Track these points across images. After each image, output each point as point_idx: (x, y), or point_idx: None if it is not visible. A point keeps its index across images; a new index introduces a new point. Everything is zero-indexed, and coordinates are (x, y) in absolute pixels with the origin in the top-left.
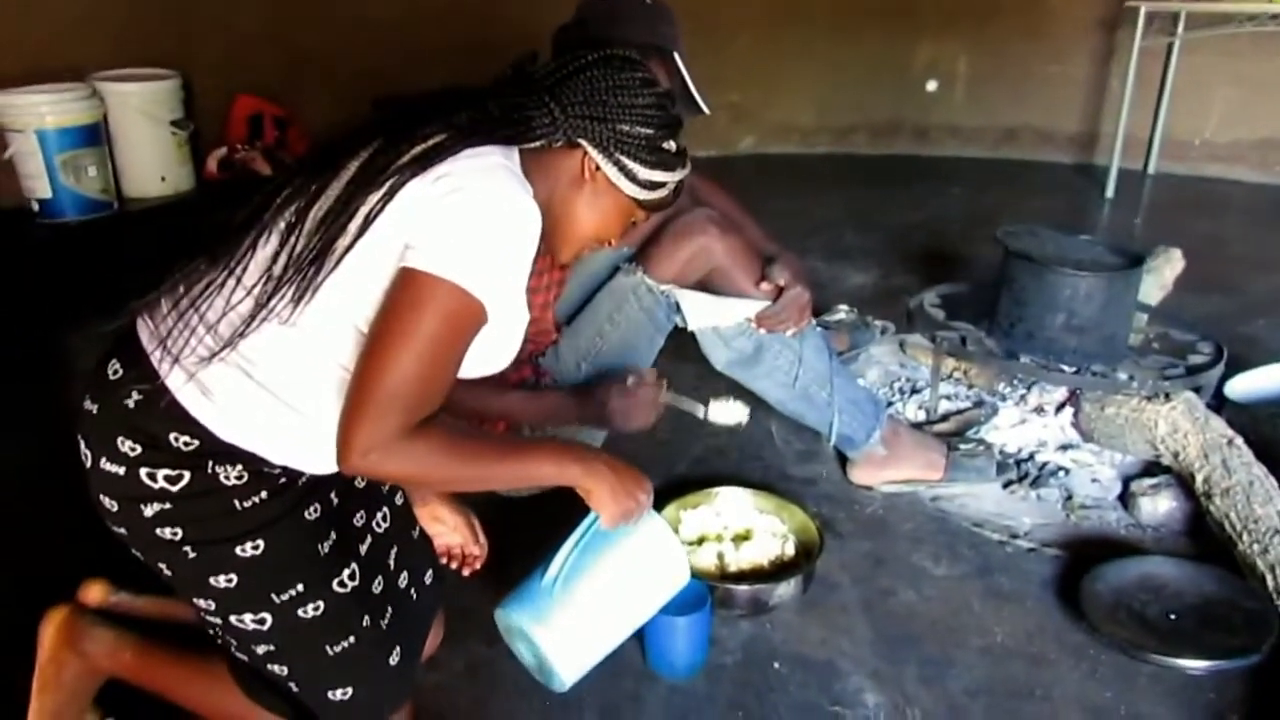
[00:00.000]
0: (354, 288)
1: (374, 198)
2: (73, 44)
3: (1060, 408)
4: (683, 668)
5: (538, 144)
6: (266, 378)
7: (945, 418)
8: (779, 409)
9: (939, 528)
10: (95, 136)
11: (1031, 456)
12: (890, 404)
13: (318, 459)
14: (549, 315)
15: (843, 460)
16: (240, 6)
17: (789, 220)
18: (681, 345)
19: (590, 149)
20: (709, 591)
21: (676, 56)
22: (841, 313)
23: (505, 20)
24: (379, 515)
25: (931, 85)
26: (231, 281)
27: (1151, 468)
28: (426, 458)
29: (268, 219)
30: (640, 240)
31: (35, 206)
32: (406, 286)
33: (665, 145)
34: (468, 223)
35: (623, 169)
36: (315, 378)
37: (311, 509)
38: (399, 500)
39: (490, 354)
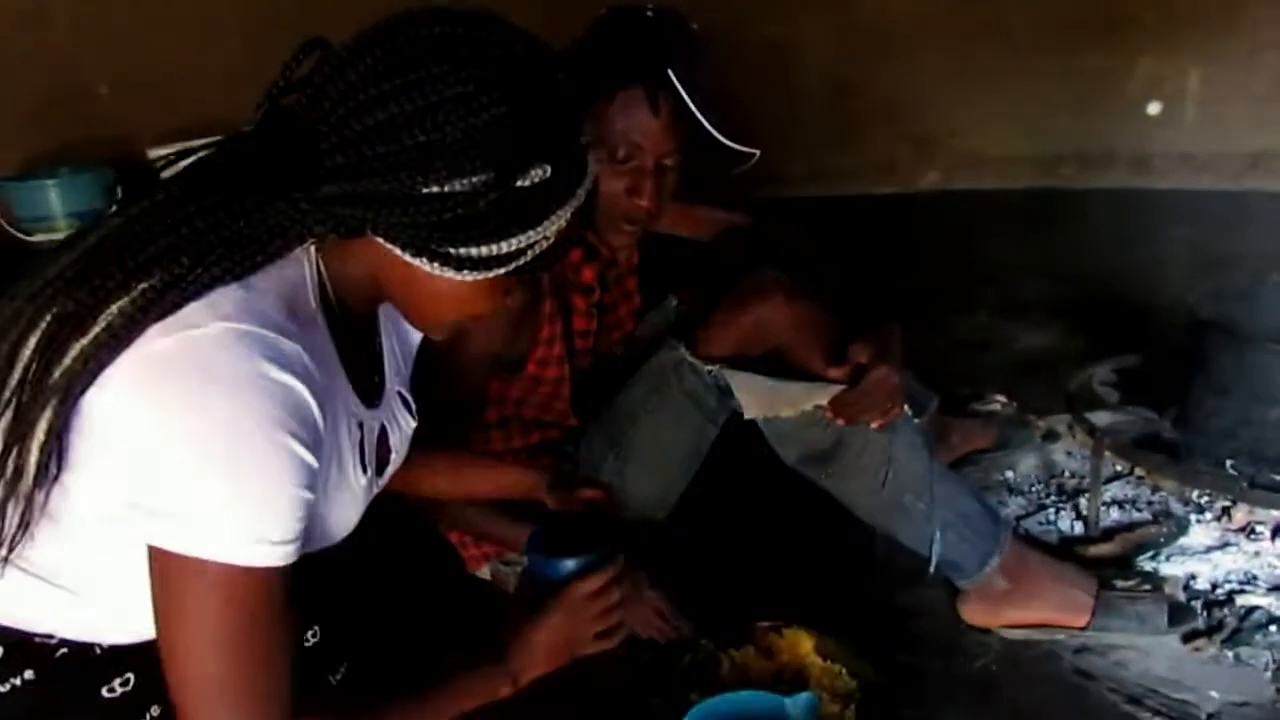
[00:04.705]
0: (86, 510)
1: (42, 424)
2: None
3: (1279, 531)
4: None
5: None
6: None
7: (1110, 534)
8: (868, 521)
9: (1076, 701)
10: None
11: (1230, 598)
12: (1041, 508)
13: (107, 627)
14: (564, 394)
15: (955, 589)
16: None
17: (960, 267)
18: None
19: (379, 241)
20: None
21: (673, 77)
22: (997, 404)
23: None
24: None
25: (1154, 108)
26: None
27: None
28: None
29: None
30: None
31: None
32: (156, 567)
33: (510, 195)
34: (194, 468)
35: (436, 259)
36: (81, 561)
37: (117, 682)
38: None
39: (320, 539)
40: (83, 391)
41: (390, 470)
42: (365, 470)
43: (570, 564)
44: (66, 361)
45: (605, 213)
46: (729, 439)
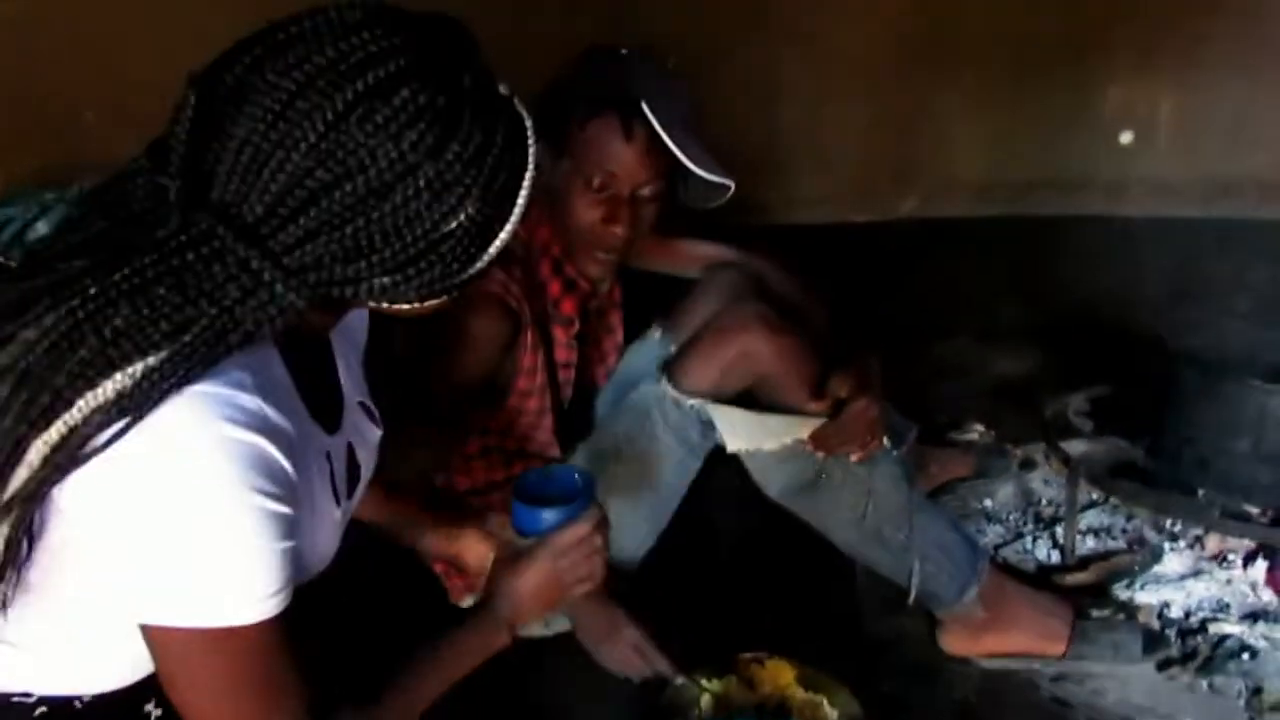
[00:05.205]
0: (59, 582)
1: (6, 525)
2: None
3: (1251, 559)
4: None
5: None
6: None
7: (1086, 562)
8: (847, 552)
9: None
10: None
11: (1203, 626)
12: (1019, 536)
13: (80, 677)
14: (545, 425)
15: (934, 618)
16: None
17: (937, 294)
18: None
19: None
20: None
21: (645, 107)
22: (975, 433)
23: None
24: None
25: (1126, 136)
26: None
27: None
28: None
29: None
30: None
31: None
32: (153, 639)
33: (484, 213)
34: (168, 544)
35: (436, 296)
36: (56, 626)
37: None
38: None
39: (300, 574)
40: (51, 489)
41: (361, 488)
42: (339, 501)
43: (552, 514)
44: (33, 462)
45: (581, 241)
46: (712, 471)
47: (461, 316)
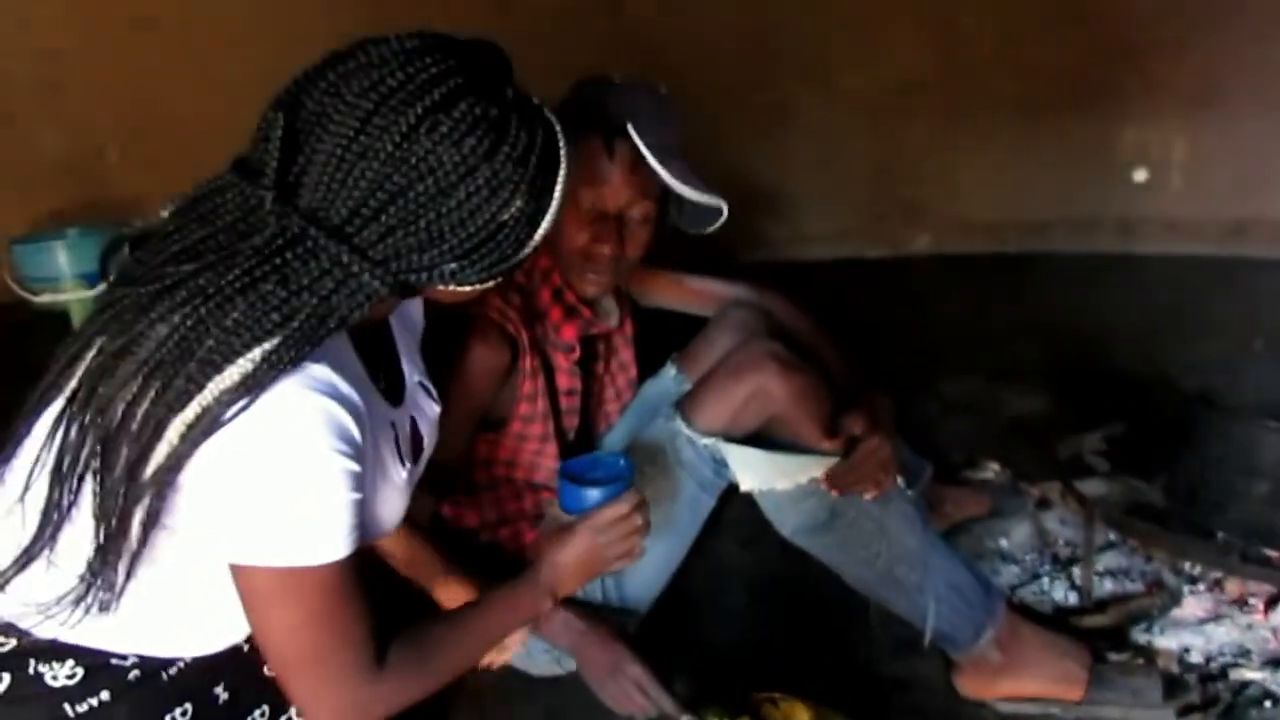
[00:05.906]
0: (169, 542)
1: (147, 500)
2: None
3: (1273, 603)
4: None
5: None
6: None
7: (1104, 605)
8: (862, 592)
9: None
10: None
11: (1224, 673)
12: (1036, 577)
13: (180, 639)
14: (550, 451)
15: (949, 659)
16: None
17: (950, 331)
18: None
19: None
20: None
21: (629, 127)
22: (990, 472)
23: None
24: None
25: (1140, 175)
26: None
27: None
28: (403, 689)
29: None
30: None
31: None
32: (240, 578)
33: (531, 205)
34: (258, 496)
35: (493, 278)
36: (164, 586)
37: (178, 711)
38: None
39: (375, 532)
40: (186, 461)
41: (425, 456)
42: (404, 464)
43: (596, 493)
44: (172, 440)
45: (573, 262)
46: (725, 510)
47: (460, 342)
